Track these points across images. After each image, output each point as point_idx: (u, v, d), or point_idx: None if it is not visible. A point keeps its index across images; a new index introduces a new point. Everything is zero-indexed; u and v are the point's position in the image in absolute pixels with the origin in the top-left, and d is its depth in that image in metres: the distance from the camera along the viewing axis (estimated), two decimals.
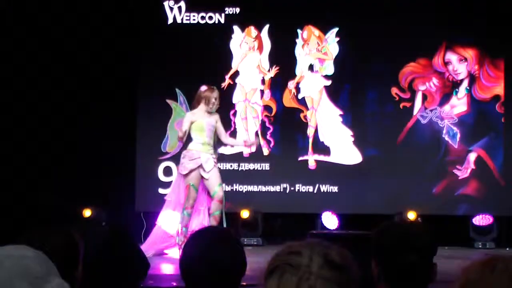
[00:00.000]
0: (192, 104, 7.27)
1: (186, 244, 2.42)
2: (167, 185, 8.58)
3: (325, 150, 8.65)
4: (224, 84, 8.68)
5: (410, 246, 2.29)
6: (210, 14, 8.72)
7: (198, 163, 6.95)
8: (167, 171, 8.61)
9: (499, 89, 8.57)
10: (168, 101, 8.51)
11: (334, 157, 8.65)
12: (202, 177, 7.01)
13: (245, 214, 8.29)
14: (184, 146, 7.21)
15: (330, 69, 8.73)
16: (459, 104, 8.65)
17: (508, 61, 8.54)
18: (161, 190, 8.58)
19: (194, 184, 6.99)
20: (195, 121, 7.03)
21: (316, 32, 8.76)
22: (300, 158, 8.63)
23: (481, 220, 8.31)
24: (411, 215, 8.06)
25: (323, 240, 1.43)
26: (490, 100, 8.59)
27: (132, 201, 8.57)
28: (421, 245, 2.31)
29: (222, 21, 8.72)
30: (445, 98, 8.65)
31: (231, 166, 8.64)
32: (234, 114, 8.71)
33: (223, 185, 7.23)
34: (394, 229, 2.37)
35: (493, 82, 8.60)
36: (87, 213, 8.41)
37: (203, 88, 7.17)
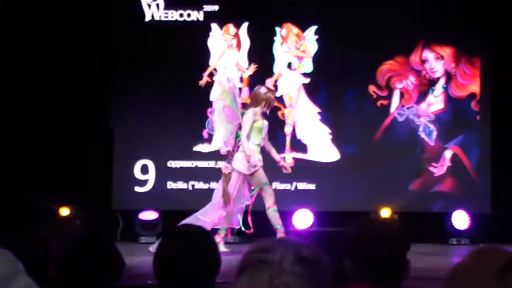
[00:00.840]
0: (249, 103, 7.16)
1: (161, 243, 2.42)
2: (143, 183, 8.57)
3: (303, 148, 8.67)
4: (202, 82, 8.68)
5: (384, 243, 2.32)
6: (189, 11, 8.70)
7: (259, 165, 6.92)
8: (144, 169, 8.59)
9: (475, 87, 8.65)
10: (217, 79, 8.04)
11: (312, 155, 8.68)
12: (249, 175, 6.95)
13: None
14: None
15: (308, 67, 8.76)
16: (435, 102, 8.71)
17: (484, 60, 8.62)
18: (137, 188, 8.55)
19: (266, 183, 6.97)
20: (257, 121, 6.93)
21: (295, 30, 8.78)
22: None
23: (456, 217, 8.39)
24: (386, 212, 8.11)
25: (295, 237, 1.44)
26: (466, 98, 8.66)
27: (109, 199, 8.54)
28: (395, 241, 2.34)
29: (201, 18, 8.71)
30: (422, 96, 8.71)
31: (208, 164, 8.64)
32: (212, 112, 8.70)
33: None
34: (368, 226, 2.39)
35: (469, 80, 8.67)
36: (64, 211, 8.37)
37: (263, 89, 7.08)
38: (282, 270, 1.32)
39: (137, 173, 8.60)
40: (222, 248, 6.88)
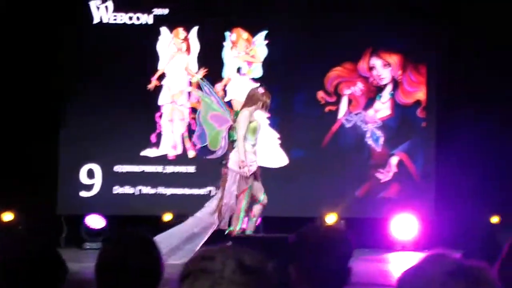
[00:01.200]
0: (244, 103, 6.96)
1: (103, 249, 2.38)
2: (89, 187, 8.45)
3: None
4: (150, 86, 8.61)
5: (326, 250, 2.32)
6: (138, 14, 8.63)
7: (256, 167, 6.80)
8: (90, 174, 8.47)
9: (421, 94, 8.79)
10: (194, 90, 7.89)
11: (261, 160, 8.65)
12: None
13: (167, 217, 8.23)
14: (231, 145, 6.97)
15: (258, 72, 8.77)
16: (382, 108, 8.82)
17: (430, 67, 8.77)
18: (83, 193, 8.43)
19: (251, 187, 6.81)
20: (252, 121, 6.80)
21: (245, 34, 8.79)
22: (226, 161, 8.62)
23: (401, 223, 8.51)
24: (332, 218, 8.17)
25: (238, 245, 1.43)
26: (412, 105, 8.79)
27: (54, 204, 8.39)
28: (337, 249, 2.35)
29: (150, 22, 8.65)
30: (370, 102, 8.81)
31: (155, 168, 8.58)
32: (160, 116, 8.65)
33: None
34: (311, 234, 2.39)
35: (415, 87, 8.81)
36: (7, 217, 8.19)
37: (261, 90, 6.94)
38: (222, 278, 1.31)
39: (83, 177, 8.48)
40: None
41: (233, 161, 6.85)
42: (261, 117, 8.66)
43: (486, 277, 1.31)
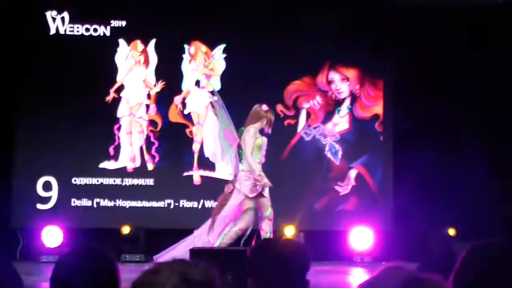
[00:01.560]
0: (247, 120, 6.88)
1: (58, 261, 2.35)
2: (46, 200, 8.33)
3: (210, 166, 8.65)
4: (109, 98, 8.55)
5: (284, 263, 2.33)
6: (95, 26, 8.57)
7: (262, 186, 6.68)
8: (47, 186, 8.35)
9: (379, 109, 8.88)
10: (212, 100, 7.54)
11: (219, 173, 8.67)
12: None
13: (126, 230, 8.16)
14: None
15: (216, 85, 8.77)
16: (341, 122, 8.88)
17: (387, 82, 8.88)
18: (39, 206, 8.31)
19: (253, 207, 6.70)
20: (257, 138, 6.74)
21: (203, 48, 8.79)
22: (185, 174, 8.61)
23: (359, 235, 8.56)
24: (290, 231, 8.19)
25: (191, 259, 1.44)
26: (370, 119, 8.88)
27: (8, 217, 8.25)
28: (293, 262, 2.35)
29: (108, 34, 8.59)
30: (328, 116, 8.87)
31: (114, 181, 8.50)
32: (119, 129, 8.58)
33: None
34: (269, 247, 2.40)
35: (373, 102, 8.90)
36: None
37: (265, 107, 6.88)
38: None
39: (40, 190, 8.36)
40: None
41: (241, 182, 6.75)
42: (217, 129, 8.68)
43: (440, 286, 1.33)
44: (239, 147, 6.90)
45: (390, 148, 8.84)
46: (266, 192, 6.74)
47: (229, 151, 7.02)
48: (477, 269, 2.03)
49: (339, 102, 8.90)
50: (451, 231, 8.39)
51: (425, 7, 8.74)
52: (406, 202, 8.66)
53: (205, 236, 6.79)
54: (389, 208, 8.74)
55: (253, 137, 6.74)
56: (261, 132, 6.83)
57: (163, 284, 1.32)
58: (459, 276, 2.06)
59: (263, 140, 6.85)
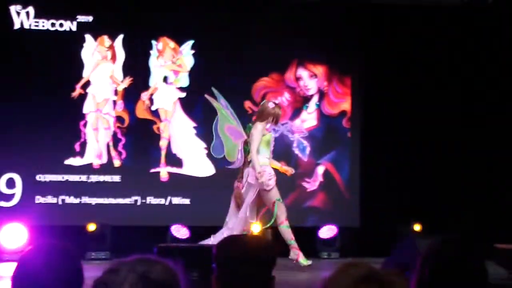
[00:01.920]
0: (255, 117, 7.13)
1: (21, 259, 2.31)
2: (9, 197, 8.21)
3: (178, 162, 8.63)
4: (75, 94, 8.46)
5: (250, 259, 2.31)
6: (61, 21, 8.47)
7: (275, 180, 6.94)
8: (10, 183, 8.24)
9: (346, 105, 8.93)
10: (209, 98, 7.64)
11: (187, 169, 8.65)
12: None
13: (91, 227, 8.08)
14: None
15: (184, 81, 8.73)
16: (309, 118, 8.91)
17: (354, 79, 8.93)
18: (2, 203, 8.19)
19: (279, 199, 6.95)
20: (265, 135, 6.96)
21: (171, 44, 8.74)
22: (152, 170, 8.56)
23: (327, 231, 8.60)
24: (257, 227, 8.19)
25: (152, 257, 1.42)
26: (338, 116, 8.92)
27: None
28: (259, 258, 2.34)
29: (74, 29, 8.49)
30: (296, 112, 8.89)
31: (80, 178, 8.42)
32: (85, 125, 8.50)
33: None
34: (234, 243, 2.38)
35: (340, 98, 8.94)
36: None
37: (272, 104, 7.10)
38: None
39: (3, 187, 8.24)
40: (303, 261, 6.93)
41: (252, 176, 6.96)
42: (188, 126, 8.66)
43: (398, 281, 1.35)
44: (246, 143, 7.10)
45: (357, 144, 8.90)
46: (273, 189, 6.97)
47: (233, 147, 7.17)
48: (436, 265, 2.05)
49: (307, 99, 8.93)
50: (417, 227, 8.46)
51: (393, 5, 8.81)
52: (373, 198, 8.73)
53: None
54: (357, 204, 8.79)
55: (260, 134, 6.94)
56: (273, 128, 7.10)
57: (120, 283, 1.30)
58: (421, 272, 2.07)
59: (272, 136, 7.08)
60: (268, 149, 7.05)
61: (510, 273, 6.68)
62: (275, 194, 7.00)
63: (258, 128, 6.97)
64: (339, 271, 1.40)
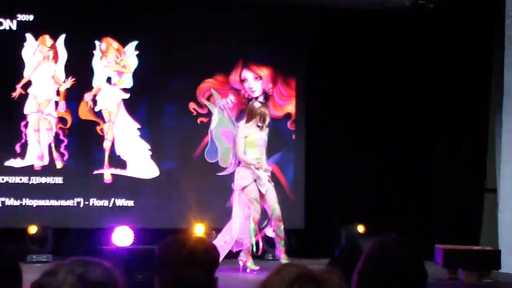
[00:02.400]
0: (246, 117, 7.17)
1: None
2: None
3: (122, 164, 8.54)
4: (15, 94, 8.29)
5: (192, 261, 2.30)
6: (0, 20, 8.28)
7: (251, 180, 6.91)
8: None
9: (291, 107, 8.98)
10: (207, 103, 7.85)
11: (131, 171, 8.57)
12: (260, 192, 6.94)
13: (33, 229, 7.93)
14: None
15: (128, 82, 8.65)
16: None
17: (299, 81, 8.99)
18: None
19: (255, 198, 6.90)
20: (248, 136, 6.93)
21: (115, 44, 8.65)
22: (96, 172, 8.45)
23: (272, 233, 8.61)
24: (200, 228, 8.18)
25: (90, 259, 1.40)
26: (283, 118, 8.96)
27: None
28: (202, 259, 2.33)
29: (14, 28, 8.32)
30: (241, 114, 8.89)
31: (20, 179, 8.25)
32: (26, 126, 8.33)
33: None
34: (176, 244, 2.36)
35: (285, 100, 8.98)
36: None
37: (257, 104, 7.16)
38: None
39: None
40: (251, 265, 6.94)
41: (236, 181, 7.06)
42: (132, 128, 8.59)
43: (332, 280, 1.36)
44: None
45: (302, 146, 8.96)
46: (264, 190, 6.99)
47: (226, 151, 7.27)
48: (376, 265, 2.08)
49: (252, 101, 8.93)
50: (361, 228, 8.56)
51: (337, 8, 8.90)
52: (318, 199, 8.80)
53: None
54: (302, 206, 8.85)
55: (241, 136, 6.99)
56: (260, 128, 7.05)
57: (59, 285, 1.29)
58: (361, 272, 2.10)
59: (257, 136, 7.02)
60: (254, 150, 7.07)
61: (450, 273, 6.82)
62: (249, 193, 7.01)
63: (240, 130, 7.09)
64: (273, 273, 1.42)
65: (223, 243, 6.88)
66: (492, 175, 8.42)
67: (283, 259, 7.04)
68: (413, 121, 8.99)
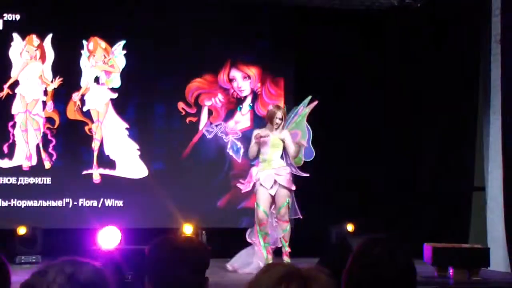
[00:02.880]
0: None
1: None
2: None
3: (111, 164, 8.52)
4: (2, 94, 8.25)
5: (182, 261, 2.29)
6: None
7: (254, 181, 7.04)
8: None
9: None
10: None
11: (120, 171, 8.55)
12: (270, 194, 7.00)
13: (22, 230, 7.89)
14: None
15: (116, 82, 8.63)
16: (243, 120, 8.93)
17: (287, 80, 8.99)
18: None
19: (258, 204, 6.99)
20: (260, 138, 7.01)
21: (103, 44, 8.62)
22: (84, 172, 8.42)
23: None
24: (189, 228, 8.17)
25: (80, 259, 1.40)
26: None
27: None
28: (194, 259, 2.32)
29: (0, 27, 8.27)
30: (230, 113, 8.90)
31: (9, 180, 8.22)
32: (13, 126, 8.29)
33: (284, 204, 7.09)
34: (165, 244, 2.36)
35: (274, 100, 8.98)
36: None
37: (271, 106, 7.27)
38: None
39: None
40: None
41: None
42: (121, 128, 8.56)
43: (319, 277, 1.37)
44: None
45: None
46: (269, 189, 7.07)
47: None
48: (365, 263, 2.08)
49: (240, 100, 8.95)
50: (350, 227, 8.57)
51: (324, 8, 8.91)
52: (307, 198, 8.80)
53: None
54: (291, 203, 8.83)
55: (252, 140, 7.12)
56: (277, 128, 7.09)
57: (47, 285, 1.28)
58: (350, 270, 2.10)
59: (270, 138, 7.06)
60: (265, 150, 7.10)
61: (439, 271, 6.85)
62: (256, 198, 7.13)
63: (253, 132, 7.21)
64: (260, 272, 1.42)
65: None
66: (480, 174, 8.46)
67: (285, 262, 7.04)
68: (402, 119, 9.01)
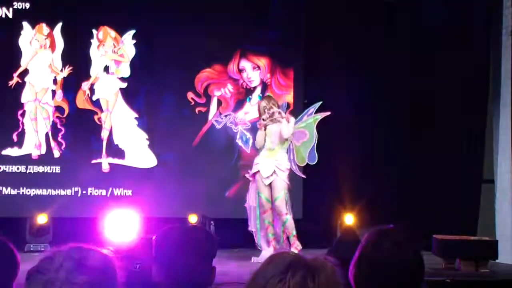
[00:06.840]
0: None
1: None
2: None
3: (120, 153, 8.54)
4: (12, 83, 8.27)
5: (189, 250, 2.30)
6: None
7: (255, 170, 7.09)
8: None
9: (289, 97, 8.97)
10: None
11: (129, 160, 8.56)
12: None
13: (41, 219, 7.91)
14: None
15: (126, 72, 8.63)
16: (252, 110, 8.92)
17: (297, 71, 8.97)
18: None
19: (259, 192, 7.08)
20: (260, 130, 7.15)
21: (112, 33, 8.62)
22: (93, 161, 8.44)
23: None
24: (194, 218, 8.19)
25: (87, 245, 1.41)
26: (281, 108, 8.92)
27: None
28: (201, 248, 2.33)
29: (10, 16, 8.29)
30: (239, 104, 8.89)
31: (18, 168, 8.25)
32: (23, 115, 8.32)
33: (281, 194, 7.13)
34: (174, 233, 2.37)
35: (283, 90, 8.97)
36: None
37: (262, 100, 7.36)
38: (57, 278, 1.31)
39: None
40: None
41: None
42: (130, 117, 8.57)
43: (325, 265, 1.37)
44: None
45: None
46: (266, 179, 7.10)
47: (298, 150, 7.62)
48: (373, 255, 2.08)
49: (250, 91, 8.93)
50: (351, 218, 8.56)
51: None
52: (315, 190, 8.79)
53: None
54: (299, 197, 8.84)
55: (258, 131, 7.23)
56: (273, 121, 7.13)
57: (55, 270, 1.29)
58: (359, 262, 2.10)
59: (269, 128, 7.12)
60: (267, 140, 7.17)
61: (447, 263, 6.84)
62: (257, 187, 7.23)
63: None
64: (267, 261, 1.43)
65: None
66: (489, 166, 8.43)
67: None
68: (412, 111, 8.98)
